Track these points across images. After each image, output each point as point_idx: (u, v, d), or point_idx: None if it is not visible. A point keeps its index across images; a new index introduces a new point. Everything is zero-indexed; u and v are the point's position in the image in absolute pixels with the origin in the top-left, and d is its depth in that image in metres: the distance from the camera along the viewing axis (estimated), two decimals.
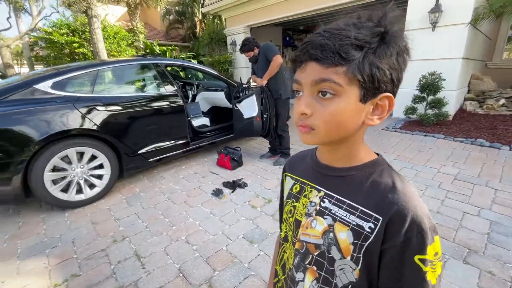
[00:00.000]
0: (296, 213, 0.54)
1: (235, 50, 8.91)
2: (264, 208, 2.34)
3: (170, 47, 11.08)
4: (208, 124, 3.97)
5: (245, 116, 3.27)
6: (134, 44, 11.79)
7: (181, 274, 1.63)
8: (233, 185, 2.74)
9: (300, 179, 0.57)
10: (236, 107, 3.38)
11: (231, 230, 2.05)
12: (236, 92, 3.48)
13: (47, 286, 1.59)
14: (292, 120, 0.50)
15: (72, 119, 2.36)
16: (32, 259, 1.83)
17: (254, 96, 3.10)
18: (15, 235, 2.11)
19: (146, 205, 2.48)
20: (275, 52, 3.00)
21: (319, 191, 0.51)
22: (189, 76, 8.16)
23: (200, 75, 7.49)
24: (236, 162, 3.24)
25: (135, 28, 11.65)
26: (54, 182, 2.32)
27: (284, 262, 0.58)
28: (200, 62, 10.66)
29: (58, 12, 11.13)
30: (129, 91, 2.97)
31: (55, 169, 2.31)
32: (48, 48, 11.03)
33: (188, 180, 2.99)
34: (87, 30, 10.01)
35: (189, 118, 3.32)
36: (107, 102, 2.60)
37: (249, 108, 3.20)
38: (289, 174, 0.61)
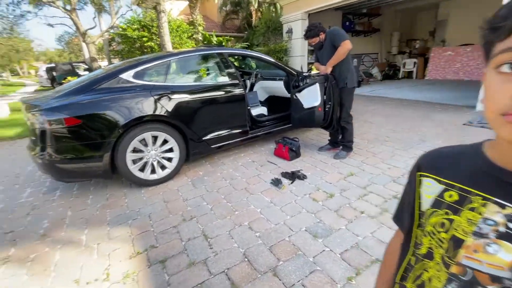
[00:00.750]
0: (455, 229, 0.42)
1: (291, 38, 8.67)
2: (326, 203, 2.24)
3: (226, 38, 11.38)
4: (266, 113, 3.96)
5: (305, 106, 3.16)
6: (194, 36, 12.43)
7: (246, 259, 1.67)
8: (292, 176, 2.69)
9: (458, 185, 0.44)
10: (296, 96, 3.28)
11: (292, 221, 2.02)
12: (295, 81, 3.38)
13: (131, 252, 1.81)
14: (493, 106, 0.35)
15: (149, 106, 2.59)
16: (119, 227, 2.10)
17: (317, 84, 2.95)
18: (104, 205, 2.45)
19: (209, 189, 2.62)
20: (344, 37, 2.78)
21: (502, 206, 0.38)
22: (243, 66, 8.28)
23: (254, 64, 7.54)
24: (294, 153, 3.18)
25: (195, 21, 12.24)
26: (134, 162, 2.60)
27: (423, 282, 0.47)
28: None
29: (131, 10, 12.37)
30: (197, 80, 3.13)
31: (134, 150, 2.59)
32: (123, 43, 12.40)
33: (246, 167, 3.05)
34: (155, 25, 10.92)
35: (248, 107, 3.36)
36: (178, 90, 2.78)
37: (311, 97, 3.07)
38: (432, 176, 0.48)
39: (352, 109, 3.10)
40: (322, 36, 2.94)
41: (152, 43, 11.24)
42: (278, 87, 4.10)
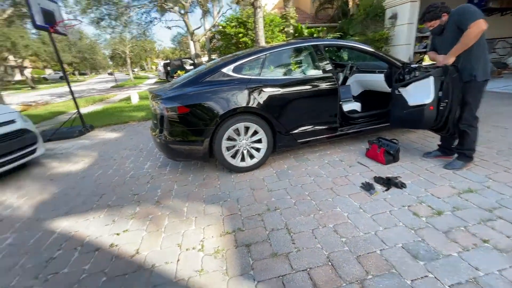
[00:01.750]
0: None
1: (395, 24, 7.59)
2: (431, 220, 1.88)
3: (318, 29, 10.96)
4: (359, 109, 3.62)
5: (411, 103, 2.70)
6: (285, 29, 12.53)
7: (329, 263, 1.59)
8: (388, 183, 2.38)
9: None
10: (399, 91, 2.84)
11: (386, 233, 1.79)
12: (399, 74, 2.92)
13: (222, 231, 2.00)
14: None
15: (243, 98, 2.76)
16: (212, 206, 2.37)
17: (431, 78, 2.47)
18: (201, 184, 2.80)
19: (294, 183, 2.61)
20: (475, 15, 2.18)
21: None
22: (335, 58, 7.79)
23: (345, 56, 6.98)
24: (391, 157, 2.80)
25: (287, 14, 12.27)
26: (228, 148, 2.85)
27: None
28: None
29: (231, 8, 13.47)
30: (289, 73, 3.13)
31: (229, 138, 2.83)
32: (222, 40, 13.68)
33: (333, 166, 2.89)
34: (250, 21, 11.55)
35: (340, 102, 3.14)
36: (270, 83, 2.85)
37: (419, 93, 2.60)
38: None
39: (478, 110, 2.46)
40: (445, 17, 2.41)
41: (247, 39, 11.96)
42: (376, 81, 3.67)
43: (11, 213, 2.59)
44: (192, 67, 18.03)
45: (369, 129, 3.33)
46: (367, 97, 3.97)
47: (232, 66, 2.91)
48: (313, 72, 3.10)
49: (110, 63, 42.25)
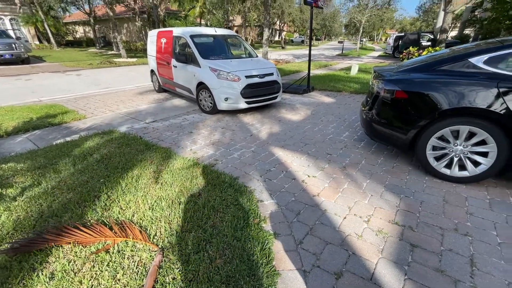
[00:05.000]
0: None
1: None
2: None
3: None
4: None
5: None
6: None
7: None
8: None
9: None
10: None
11: None
12: None
13: (391, 219, 2.08)
14: None
15: (486, 98, 2.24)
16: (391, 194, 2.41)
17: None
18: (388, 171, 2.84)
19: None
20: None
21: None
22: None
23: None
24: None
25: None
26: (434, 148, 2.58)
27: None
28: None
29: None
30: None
31: (441, 138, 2.52)
32: (492, 10, 10.17)
33: None
34: None
35: None
36: None
37: None
38: None
39: None
40: None
41: None
42: None
43: (256, 133, 4.05)
44: (429, 43, 15.19)
45: None
46: None
47: (486, 56, 2.38)
48: None
49: (343, 31, 44.46)
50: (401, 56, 12.72)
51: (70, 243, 1.76)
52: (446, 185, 2.53)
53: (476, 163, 2.43)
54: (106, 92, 7.39)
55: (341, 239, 1.88)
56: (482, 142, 2.35)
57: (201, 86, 5.03)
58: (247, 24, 30.55)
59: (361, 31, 26.81)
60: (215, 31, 5.86)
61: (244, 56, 6.06)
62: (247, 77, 4.73)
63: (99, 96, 6.79)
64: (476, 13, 15.99)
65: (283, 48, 31.93)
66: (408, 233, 1.93)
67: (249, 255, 1.69)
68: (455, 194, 2.38)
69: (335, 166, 2.96)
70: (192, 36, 5.35)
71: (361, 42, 32.53)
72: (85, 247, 1.76)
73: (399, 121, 2.76)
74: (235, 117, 4.88)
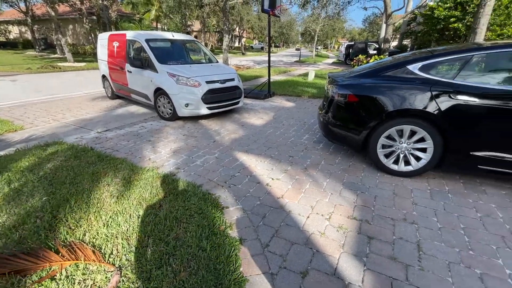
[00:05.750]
0: None
1: None
2: None
3: None
4: None
5: None
6: None
7: None
8: None
9: None
10: None
11: None
12: None
13: (350, 214, 2.21)
14: None
15: (422, 101, 2.54)
16: (349, 191, 2.58)
17: None
18: (345, 169, 3.03)
19: (449, 209, 2.29)
20: None
21: None
22: None
23: None
24: None
25: None
26: (383, 146, 2.83)
27: None
28: None
29: None
30: (500, 82, 2.47)
31: (388, 137, 2.78)
32: (423, 24, 11.63)
33: None
34: (475, 2, 8.98)
35: None
36: (466, 91, 2.41)
37: None
38: None
39: None
40: None
41: (460, 25, 9.53)
42: None
43: (219, 138, 4.00)
44: (375, 52, 16.79)
45: None
46: None
47: (420, 64, 2.70)
48: None
49: (300, 39, 46.80)
50: (352, 63, 13.81)
51: (5, 274, 1.52)
52: (395, 180, 2.78)
53: (418, 158, 2.73)
54: (50, 99, 6.64)
55: (306, 238, 1.94)
56: (422, 140, 2.65)
57: (159, 92, 4.82)
58: (206, 30, 30.33)
59: (316, 39, 28.52)
60: (173, 36, 5.69)
61: (204, 61, 5.99)
62: (208, 82, 4.67)
63: (41, 104, 6.07)
64: (411, 26, 18.18)
65: (243, 54, 32.34)
66: (365, 226, 2.07)
67: (216, 264, 1.65)
68: (403, 187, 2.64)
69: (297, 167, 3.07)
70: (148, 40, 5.12)
71: (316, 50, 34.59)
72: (26, 276, 1.53)
73: (352, 123, 2.97)
74: (197, 123, 4.77)
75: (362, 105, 2.86)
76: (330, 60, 26.55)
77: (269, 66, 7.26)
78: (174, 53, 5.66)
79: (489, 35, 8.90)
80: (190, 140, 3.90)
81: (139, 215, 2.11)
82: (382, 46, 14.20)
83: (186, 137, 4.03)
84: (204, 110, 4.70)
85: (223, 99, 4.93)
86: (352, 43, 20.76)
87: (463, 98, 2.41)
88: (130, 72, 5.41)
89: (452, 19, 9.70)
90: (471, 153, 2.49)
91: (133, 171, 2.83)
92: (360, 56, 13.01)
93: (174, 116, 4.79)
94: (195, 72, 4.79)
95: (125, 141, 3.83)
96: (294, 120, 5.00)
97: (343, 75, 3.35)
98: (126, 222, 2.03)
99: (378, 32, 25.27)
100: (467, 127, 2.46)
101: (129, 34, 5.50)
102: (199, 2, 18.10)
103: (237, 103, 5.28)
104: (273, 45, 52.69)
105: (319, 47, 46.23)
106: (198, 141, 3.89)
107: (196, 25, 35.54)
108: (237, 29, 36.63)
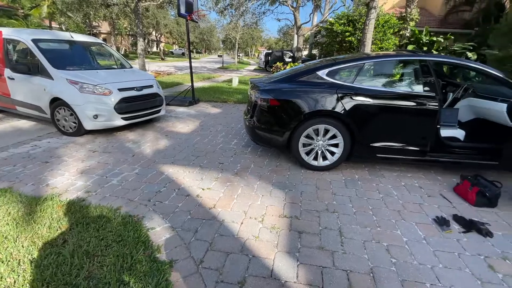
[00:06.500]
0: None
1: None
2: (509, 280, 1.66)
3: (441, 36, 9.45)
4: (461, 138, 3.18)
5: None
6: (400, 32, 11.28)
7: (371, 274, 1.68)
8: (469, 225, 2.14)
9: None
10: None
11: (444, 272, 1.71)
12: None
13: (281, 213, 2.30)
14: None
15: (331, 102, 2.89)
16: (278, 190, 2.69)
17: None
18: (273, 170, 3.16)
19: (360, 194, 2.65)
20: None
21: None
22: (448, 74, 6.64)
23: (469, 75, 5.84)
24: (485, 200, 2.44)
25: (408, 15, 10.96)
26: (304, 145, 3.08)
27: None
28: (479, 56, 8.24)
29: (344, 5, 13.02)
30: (386, 85, 3.05)
31: (307, 136, 3.04)
32: (327, 37, 13.47)
33: (409, 190, 2.74)
34: (361, 20, 10.93)
35: (438, 126, 2.87)
36: (362, 92, 2.87)
37: None
38: None
39: None
40: None
41: (353, 38, 11.42)
42: (495, 110, 3.09)
43: (139, 152, 3.60)
44: (290, 60, 18.47)
45: (467, 162, 2.92)
46: (477, 126, 3.40)
47: (327, 70, 3.06)
48: (411, 88, 2.94)
49: (221, 46, 47.49)
50: (272, 69, 14.81)
51: None
52: (317, 174, 3.07)
53: (332, 153, 3.08)
54: None
55: (241, 245, 1.91)
56: (334, 136, 3.00)
57: (57, 102, 4.01)
58: (117, 33, 27.35)
59: (237, 46, 29.46)
60: (71, 37, 4.86)
61: (115, 67, 5.32)
62: (120, 90, 4.15)
63: None
64: (317, 38, 20.85)
65: (163, 59, 30.61)
66: (295, 222, 2.18)
67: None
68: (323, 180, 2.93)
69: (228, 174, 3.03)
70: (35, 41, 4.20)
71: (238, 57, 35.74)
72: None
73: (276, 125, 3.14)
74: (111, 136, 4.18)
75: (282, 108, 3.05)
76: (252, 67, 27.86)
77: (191, 72, 7.04)
78: (74, 57, 4.84)
79: (373, 48, 11.04)
80: (103, 157, 3.37)
81: (33, 258, 1.66)
82: (295, 55, 15.77)
83: (98, 154, 3.47)
84: (118, 121, 4.16)
85: (141, 108, 4.48)
86: (270, 51, 22.35)
87: (360, 99, 2.86)
88: (13, 79, 4.33)
89: (347, 33, 11.58)
90: (371, 144, 2.97)
91: (22, 203, 2.24)
92: (278, 63, 14.10)
93: (79, 131, 4.07)
94: (104, 78, 4.20)
95: (10, 166, 3.02)
96: (221, 126, 4.96)
97: (264, 80, 3.51)
98: (13, 271, 1.56)
99: (292, 42, 28.02)
100: (366, 123, 2.92)
101: (7, 32, 4.41)
102: (104, 0, 16.15)
103: (158, 111, 4.88)
104: (194, 51, 51.73)
105: (241, 54, 47.98)
106: (113, 156, 3.40)
107: (105, 27, 31.66)
108: (153, 33, 34.40)
